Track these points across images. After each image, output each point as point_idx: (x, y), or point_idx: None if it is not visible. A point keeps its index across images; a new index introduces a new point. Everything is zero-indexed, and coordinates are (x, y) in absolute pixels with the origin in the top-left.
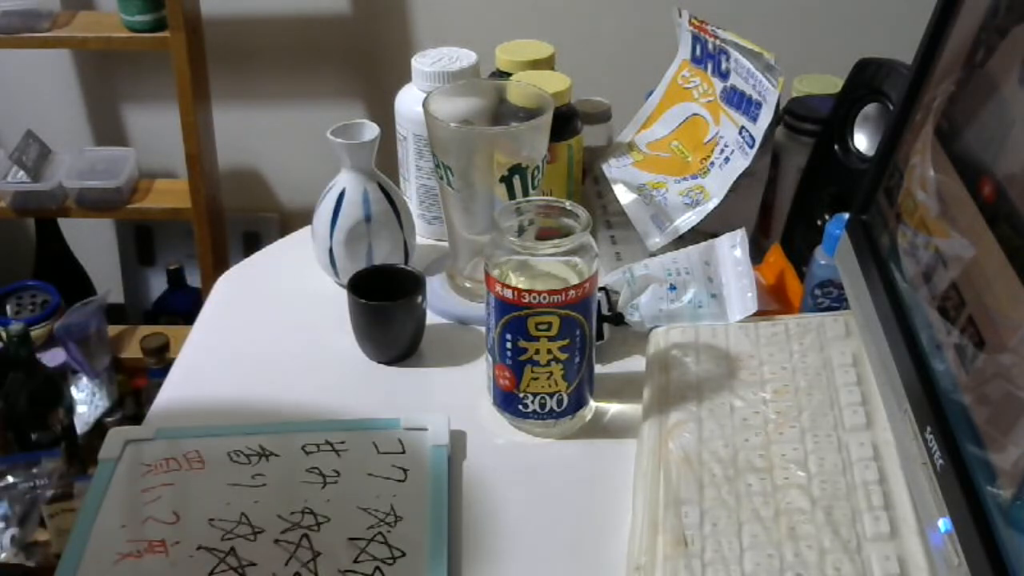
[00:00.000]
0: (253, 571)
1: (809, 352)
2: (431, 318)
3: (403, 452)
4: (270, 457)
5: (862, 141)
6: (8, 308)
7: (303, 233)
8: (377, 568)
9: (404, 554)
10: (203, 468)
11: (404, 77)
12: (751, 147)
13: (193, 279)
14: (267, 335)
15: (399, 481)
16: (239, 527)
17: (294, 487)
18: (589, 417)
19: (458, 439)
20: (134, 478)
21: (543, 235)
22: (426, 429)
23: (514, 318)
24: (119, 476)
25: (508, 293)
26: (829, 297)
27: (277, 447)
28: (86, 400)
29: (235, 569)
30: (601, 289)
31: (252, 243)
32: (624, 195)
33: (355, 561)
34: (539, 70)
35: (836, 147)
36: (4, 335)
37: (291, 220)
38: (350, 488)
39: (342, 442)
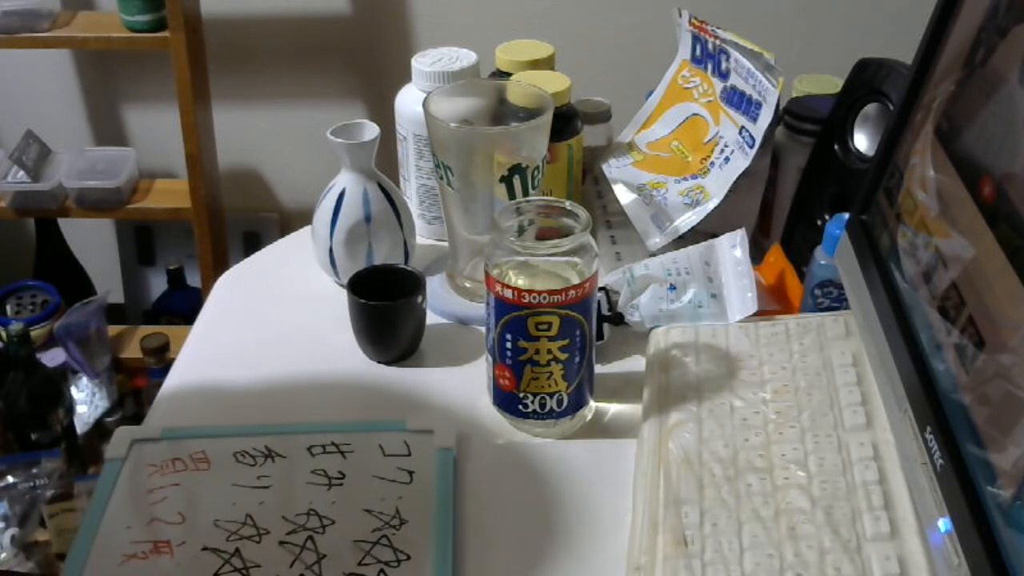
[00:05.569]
0: (258, 572)
1: (809, 352)
2: (431, 318)
3: (409, 455)
4: (276, 458)
5: (862, 141)
6: (8, 308)
7: (303, 233)
8: (382, 571)
9: (409, 557)
10: (209, 469)
11: (404, 77)
12: (751, 147)
13: (193, 279)
14: (267, 335)
15: (404, 484)
16: (244, 528)
17: (299, 489)
18: (589, 417)
19: (458, 439)
20: (140, 478)
21: (543, 235)
22: (432, 431)
23: (514, 318)
24: (125, 476)
25: (508, 293)
26: (829, 297)
27: (283, 448)
28: (86, 400)
29: (240, 571)
30: (601, 289)
31: (252, 243)
32: (624, 195)
33: (360, 564)
34: (539, 70)
35: (836, 147)
36: (4, 335)
37: (291, 220)
38: (355, 490)
39: (348, 444)
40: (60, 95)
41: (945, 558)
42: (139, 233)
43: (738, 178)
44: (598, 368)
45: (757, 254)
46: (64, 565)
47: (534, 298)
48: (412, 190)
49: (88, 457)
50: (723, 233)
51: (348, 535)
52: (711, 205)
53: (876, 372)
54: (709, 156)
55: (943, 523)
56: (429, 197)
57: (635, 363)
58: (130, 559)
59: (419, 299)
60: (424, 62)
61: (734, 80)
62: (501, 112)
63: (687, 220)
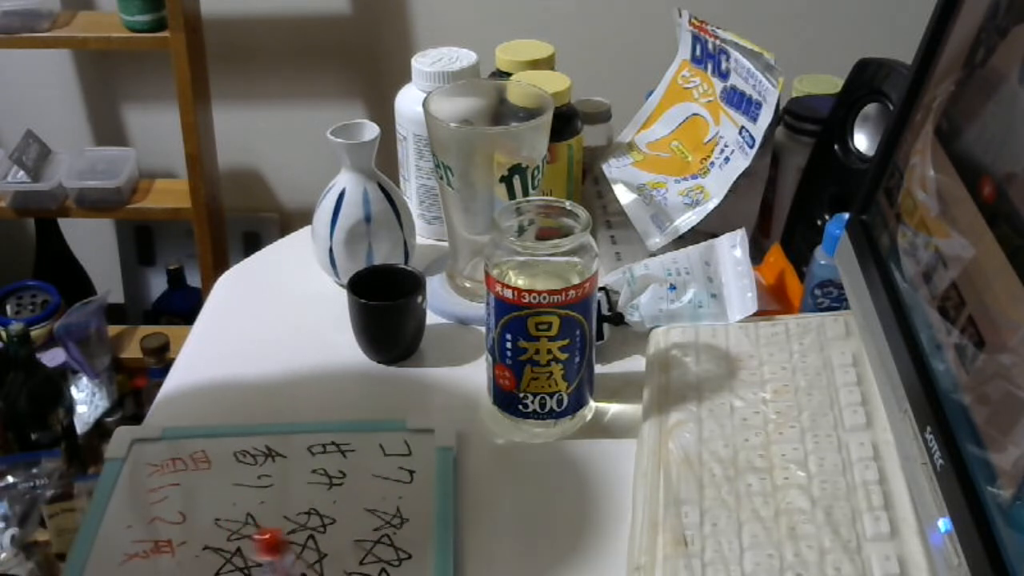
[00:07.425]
0: (259, 572)
1: (809, 352)
2: (431, 318)
3: (409, 454)
4: (276, 458)
5: (862, 141)
6: (8, 308)
7: (303, 233)
8: (383, 570)
9: (410, 556)
10: (209, 468)
11: (404, 77)
12: (751, 147)
13: (193, 279)
14: (267, 335)
15: (405, 483)
16: (245, 528)
17: (300, 488)
18: (589, 417)
19: (458, 439)
20: (140, 478)
21: (543, 235)
22: (432, 431)
23: (514, 318)
24: (125, 476)
25: (508, 293)
26: (829, 297)
27: (283, 448)
28: (86, 400)
29: (241, 570)
30: (601, 289)
31: (252, 243)
32: (624, 195)
33: (361, 563)
34: (539, 70)
35: (836, 147)
36: (4, 335)
37: (291, 220)
38: (356, 490)
39: (348, 443)
40: (60, 95)
41: (945, 558)
42: (139, 233)
43: (738, 178)
44: (598, 368)
45: (757, 254)
46: (64, 565)
47: (534, 298)
48: (412, 190)
49: (88, 457)
50: (723, 233)
51: (349, 534)
52: (711, 205)
53: (876, 372)
54: (709, 156)
55: (943, 523)
56: (429, 197)
57: (635, 363)
58: (131, 558)
59: (419, 299)
60: (424, 62)
61: (734, 80)
62: (501, 112)
63: (687, 220)
